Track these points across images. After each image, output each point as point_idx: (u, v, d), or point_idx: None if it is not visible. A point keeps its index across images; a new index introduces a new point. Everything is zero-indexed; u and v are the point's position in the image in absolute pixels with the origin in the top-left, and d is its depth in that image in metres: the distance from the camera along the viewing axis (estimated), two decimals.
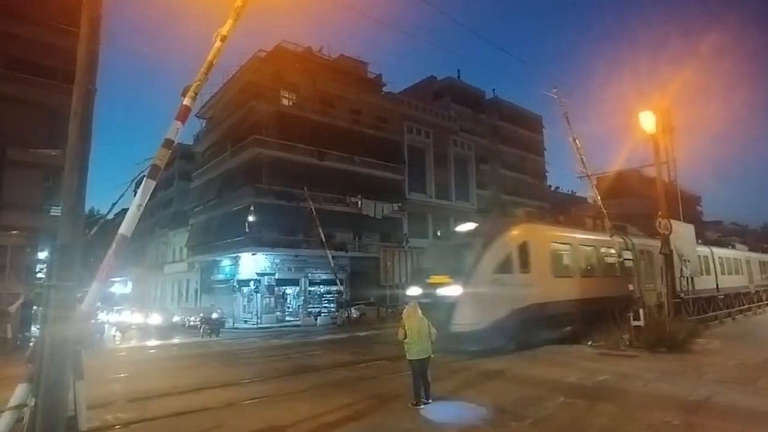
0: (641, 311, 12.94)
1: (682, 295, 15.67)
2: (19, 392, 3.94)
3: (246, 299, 30.21)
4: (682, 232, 16.73)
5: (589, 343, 13.12)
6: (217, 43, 5.60)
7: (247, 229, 27.91)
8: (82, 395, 4.23)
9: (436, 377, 9.06)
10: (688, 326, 13.06)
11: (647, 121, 15.05)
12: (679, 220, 17.69)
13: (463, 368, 10.10)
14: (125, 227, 4.75)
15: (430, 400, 7.04)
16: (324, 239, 28.03)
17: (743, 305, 23.42)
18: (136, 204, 4.83)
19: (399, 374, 9.25)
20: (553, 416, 6.59)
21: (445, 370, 9.85)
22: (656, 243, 17.98)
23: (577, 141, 14.47)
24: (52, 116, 18.58)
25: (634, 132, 16.17)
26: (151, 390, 8.69)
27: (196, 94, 5.39)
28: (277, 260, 30.03)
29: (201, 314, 24.52)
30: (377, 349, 14.46)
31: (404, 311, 7.35)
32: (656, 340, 12.14)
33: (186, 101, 5.34)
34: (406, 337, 7.03)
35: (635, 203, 43.58)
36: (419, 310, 7.23)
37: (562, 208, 39.01)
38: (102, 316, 29.70)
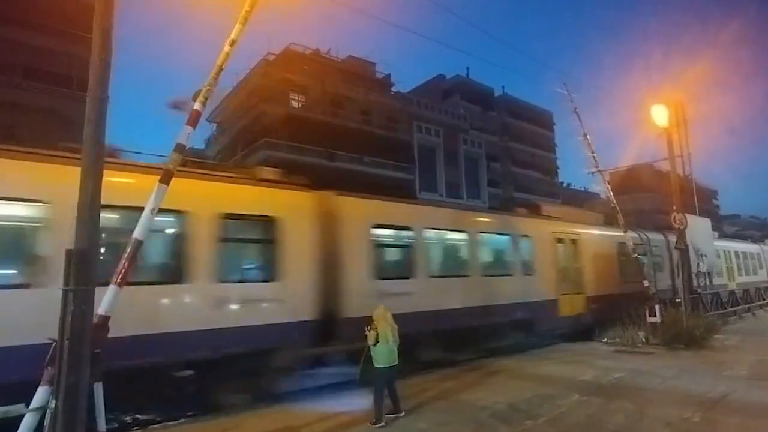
0: (657, 307, 12.79)
1: (698, 290, 15.44)
2: (39, 395, 4.03)
3: None
4: (698, 227, 16.49)
5: (604, 340, 13.00)
6: (226, 48, 5.68)
7: None
8: (101, 397, 4.31)
9: (449, 376, 9.11)
10: (705, 322, 12.87)
11: (659, 114, 14.86)
12: (695, 214, 17.44)
13: (475, 367, 10.05)
14: (139, 231, 4.83)
15: (402, 413, 6.52)
16: None
17: (763, 300, 23.00)
18: (149, 208, 4.91)
19: (410, 374, 9.26)
20: (567, 414, 6.54)
21: (457, 369, 9.83)
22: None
23: (588, 137, 14.29)
24: (67, 123, 18.92)
25: (646, 126, 15.96)
26: None
27: (206, 98, 5.47)
28: None
29: None
30: None
31: (375, 313, 6.64)
32: (673, 337, 11.99)
33: (196, 106, 5.42)
34: (377, 342, 6.39)
35: (648, 198, 43.13)
36: (389, 314, 6.63)
37: (575, 204, 38.66)
38: None
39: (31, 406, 4.00)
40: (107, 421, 4.45)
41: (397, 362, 6.49)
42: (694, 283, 15.15)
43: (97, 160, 4.33)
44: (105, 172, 4.35)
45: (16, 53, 20.01)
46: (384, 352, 6.39)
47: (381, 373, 6.40)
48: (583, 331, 13.71)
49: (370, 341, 6.42)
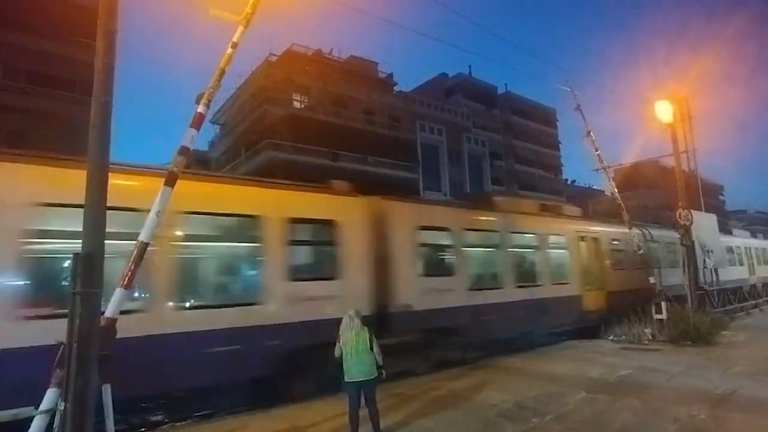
0: (663, 304, 12.74)
1: (705, 286, 15.36)
2: (48, 397, 4.07)
3: None
4: (704, 223, 16.38)
5: (611, 337, 12.96)
6: (229, 50, 5.69)
7: None
8: (109, 399, 4.34)
9: (456, 374, 9.11)
10: (712, 318, 12.80)
11: (664, 110, 14.78)
12: (701, 210, 17.33)
13: (482, 365, 10.05)
14: (145, 234, 4.85)
15: None
16: None
17: None
18: (154, 211, 4.92)
19: (416, 373, 9.26)
20: (574, 412, 6.53)
21: (464, 368, 9.83)
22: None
23: (592, 134, 14.23)
24: (71, 127, 19.02)
25: (651, 122, 15.87)
26: None
27: (209, 101, 5.48)
28: None
29: None
30: None
31: (342, 323, 5.95)
32: (680, 334, 11.94)
33: (200, 108, 5.43)
34: (341, 354, 5.76)
35: (652, 194, 42.89)
36: (357, 321, 5.86)
37: (579, 202, 38.55)
38: None
39: (40, 409, 4.04)
40: (115, 422, 4.47)
41: (373, 376, 5.72)
42: (701, 279, 15.08)
43: (102, 165, 4.35)
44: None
45: (21, 58, 20.17)
46: (351, 364, 5.69)
47: (350, 388, 5.72)
48: (589, 328, 13.73)
49: (335, 354, 5.84)
